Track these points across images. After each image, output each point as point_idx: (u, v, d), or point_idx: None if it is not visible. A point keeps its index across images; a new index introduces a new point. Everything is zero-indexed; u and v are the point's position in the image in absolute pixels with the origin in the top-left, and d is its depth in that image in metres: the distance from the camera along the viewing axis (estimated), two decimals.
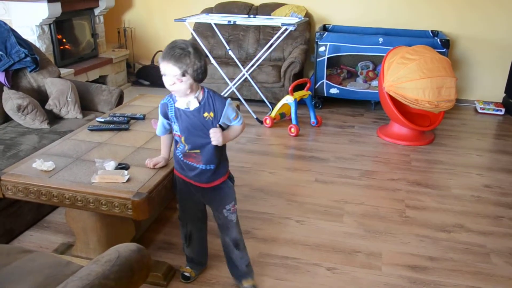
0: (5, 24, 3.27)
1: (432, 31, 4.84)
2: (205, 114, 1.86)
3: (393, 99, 3.85)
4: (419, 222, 2.79)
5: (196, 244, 2.23)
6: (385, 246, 2.55)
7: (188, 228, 2.19)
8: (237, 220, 2.11)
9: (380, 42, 4.46)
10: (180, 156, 1.97)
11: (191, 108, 1.86)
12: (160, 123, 2.01)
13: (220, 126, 1.90)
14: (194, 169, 1.96)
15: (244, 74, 4.47)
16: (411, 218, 2.83)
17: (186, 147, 1.91)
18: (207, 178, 1.98)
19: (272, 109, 4.42)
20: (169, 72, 1.74)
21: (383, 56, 4.10)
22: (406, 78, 3.69)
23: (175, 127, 1.92)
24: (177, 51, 1.71)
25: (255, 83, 4.58)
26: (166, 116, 1.94)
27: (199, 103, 1.85)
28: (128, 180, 1.95)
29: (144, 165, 2.09)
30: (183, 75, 1.74)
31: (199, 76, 1.78)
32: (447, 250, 2.53)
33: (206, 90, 1.88)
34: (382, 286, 2.24)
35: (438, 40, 4.41)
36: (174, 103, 1.90)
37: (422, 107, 3.73)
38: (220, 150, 1.96)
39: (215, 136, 1.87)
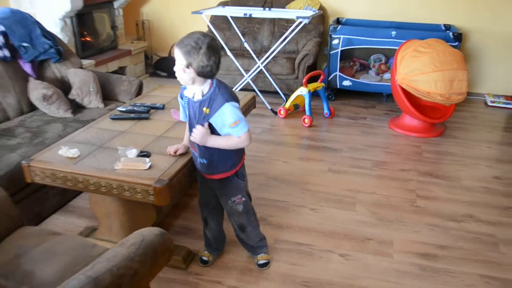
0: (31, 16, 3.31)
1: (444, 25, 4.78)
2: (204, 109, 1.83)
3: (405, 91, 3.82)
4: (430, 211, 2.79)
5: (212, 229, 2.26)
6: (397, 234, 2.56)
7: (204, 213, 2.24)
8: (244, 209, 2.11)
9: (393, 36, 4.42)
10: (190, 144, 2.01)
11: (195, 99, 1.86)
12: (181, 107, 2.03)
13: (210, 125, 1.85)
14: (196, 159, 2.00)
15: (259, 66, 4.47)
16: (422, 208, 2.83)
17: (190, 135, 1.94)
18: (205, 170, 2.00)
19: (286, 100, 4.42)
20: (177, 59, 1.76)
21: (396, 49, 4.07)
22: (419, 71, 3.66)
23: (185, 112, 1.98)
24: (190, 44, 1.71)
25: (269, 74, 4.58)
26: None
27: (203, 96, 1.84)
28: (150, 167, 1.98)
29: (165, 152, 2.11)
30: (187, 67, 1.74)
31: (203, 73, 1.76)
32: (457, 239, 2.53)
33: (214, 85, 1.83)
34: (393, 272, 2.26)
35: (451, 33, 4.36)
36: (184, 89, 1.93)
37: (434, 99, 3.70)
38: (216, 148, 1.90)
39: (196, 133, 1.84)
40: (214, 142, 1.86)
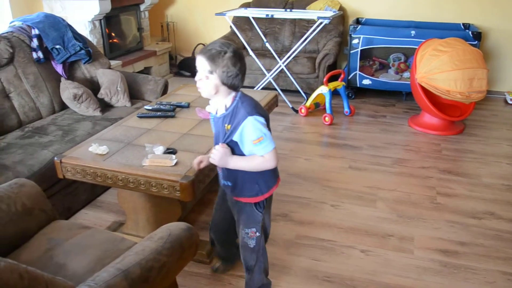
0: (63, 20, 3.36)
1: (463, 24, 4.68)
2: (226, 125, 1.63)
3: (424, 89, 3.75)
4: (450, 208, 2.74)
5: (219, 252, 2.16)
6: (417, 230, 2.52)
7: (211, 232, 2.09)
8: (256, 246, 1.85)
9: (412, 35, 4.35)
10: None
11: (218, 115, 1.66)
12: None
13: (231, 144, 1.63)
14: (220, 179, 1.81)
15: (280, 66, 4.45)
16: (442, 205, 2.77)
17: None
18: (230, 192, 1.80)
19: (307, 99, 4.39)
20: (200, 66, 1.57)
21: (415, 48, 4.00)
22: (438, 69, 3.59)
23: (213, 129, 1.78)
24: (215, 49, 1.54)
25: (290, 74, 4.56)
26: None
27: (226, 110, 1.63)
28: (176, 164, 1.98)
29: (190, 149, 2.11)
30: (211, 73, 1.55)
31: (228, 80, 1.55)
32: (477, 236, 2.47)
33: (237, 99, 1.62)
34: (414, 268, 2.22)
35: (470, 32, 4.26)
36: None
37: (454, 98, 3.62)
38: (241, 170, 1.67)
39: (215, 154, 1.63)
40: (236, 164, 1.63)
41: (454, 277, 2.16)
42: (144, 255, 1.37)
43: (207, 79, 1.57)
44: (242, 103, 1.60)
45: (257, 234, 1.82)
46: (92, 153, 2.11)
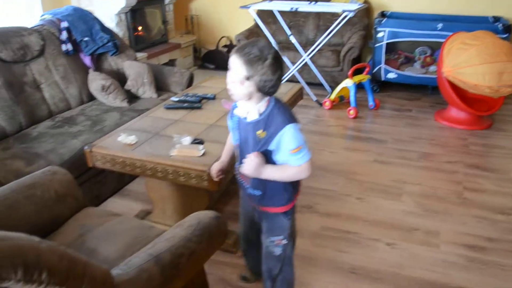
0: (91, 13, 3.42)
1: (493, 17, 4.57)
2: (259, 132, 1.48)
3: (451, 84, 3.69)
4: (477, 204, 2.69)
5: (252, 265, 2.03)
6: (443, 225, 2.49)
7: (243, 246, 1.99)
8: (282, 254, 1.73)
9: (439, 28, 4.27)
10: (236, 170, 1.68)
11: (248, 119, 1.51)
12: (230, 130, 1.69)
13: (266, 153, 1.50)
14: (245, 189, 1.68)
15: (304, 59, 4.43)
16: (469, 200, 2.73)
17: (238, 162, 1.63)
18: (257, 202, 1.66)
19: (332, 92, 4.37)
20: (234, 68, 1.42)
21: (442, 42, 3.92)
22: (466, 63, 3.52)
23: (235, 134, 1.61)
24: (254, 53, 1.37)
25: (315, 67, 4.54)
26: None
27: (259, 116, 1.49)
28: (203, 154, 2.00)
29: (217, 140, 2.12)
30: (247, 79, 1.40)
31: (265, 89, 1.42)
32: (506, 232, 2.43)
33: (272, 103, 1.48)
34: (440, 263, 2.20)
35: (500, 25, 4.16)
36: (235, 108, 1.59)
37: (482, 92, 3.55)
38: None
39: (247, 164, 1.49)
40: (269, 174, 1.51)
41: (482, 273, 2.13)
42: (175, 242, 1.40)
43: (242, 85, 1.42)
44: (279, 109, 1.47)
45: (284, 241, 1.71)
46: (121, 143, 2.14)
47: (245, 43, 1.43)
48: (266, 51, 1.38)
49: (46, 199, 1.75)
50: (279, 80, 1.43)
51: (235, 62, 1.41)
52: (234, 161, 1.76)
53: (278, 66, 1.40)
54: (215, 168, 1.76)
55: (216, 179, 1.79)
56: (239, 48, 1.42)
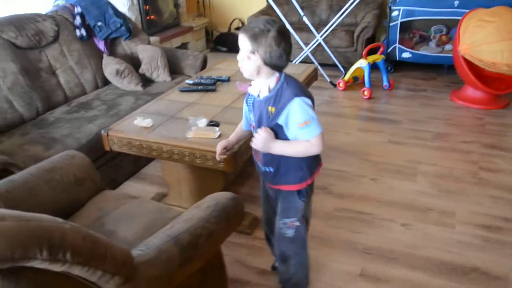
0: None
1: None
2: (269, 107, 1.50)
3: (468, 62, 3.63)
4: (494, 183, 2.68)
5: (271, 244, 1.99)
6: (459, 205, 2.48)
7: (266, 230, 1.95)
8: (295, 236, 1.72)
9: (456, 5, 4.18)
10: (253, 151, 1.68)
11: (261, 97, 1.54)
12: (244, 114, 1.72)
13: (275, 128, 1.51)
14: (259, 168, 1.69)
15: (318, 39, 4.39)
16: (485, 180, 2.71)
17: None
18: (271, 179, 1.67)
19: (345, 72, 4.33)
20: (242, 45, 1.46)
21: (458, 19, 3.84)
22: (484, 41, 3.45)
23: (251, 116, 1.63)
24: (258, 27, 1.42)
25: (328, 47, 4.49)
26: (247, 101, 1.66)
27: (270, 91, 1.51)
28: (219, 136, 2.02)
29: (233, 122, 2.11)
30: (253, 53, 1.44)
31: (272, 61, 1.43)
32: None
33: (282, 79, 1.50)
34: (455, 243, 2.20)
35: None
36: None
37: (499, 70, 3.49)
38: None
39: (258, 139, 1.52)
40: (279, 149, 1.52)
41: (497, 253, 2.13)
42: (193, 223, 1.42)
43: (249, 60, 1.45)
44: (288, 84, 1.49)
45: (297, 223, 1.69)
46: (137, 126, 2.17)
47: (249, 23, 1.47)
48: (269, 25, 1.42)
49: (65, 183, 1.78)
50: (285, 52, 1.44)
51: (242, 39, 1.46)
52: (239, 143, 1.78)
53: (282, 38, 1.42)
54: (220, 145, 1.75)
55: (218, 158, 1.78)
56: (243, 27, 1.47)
